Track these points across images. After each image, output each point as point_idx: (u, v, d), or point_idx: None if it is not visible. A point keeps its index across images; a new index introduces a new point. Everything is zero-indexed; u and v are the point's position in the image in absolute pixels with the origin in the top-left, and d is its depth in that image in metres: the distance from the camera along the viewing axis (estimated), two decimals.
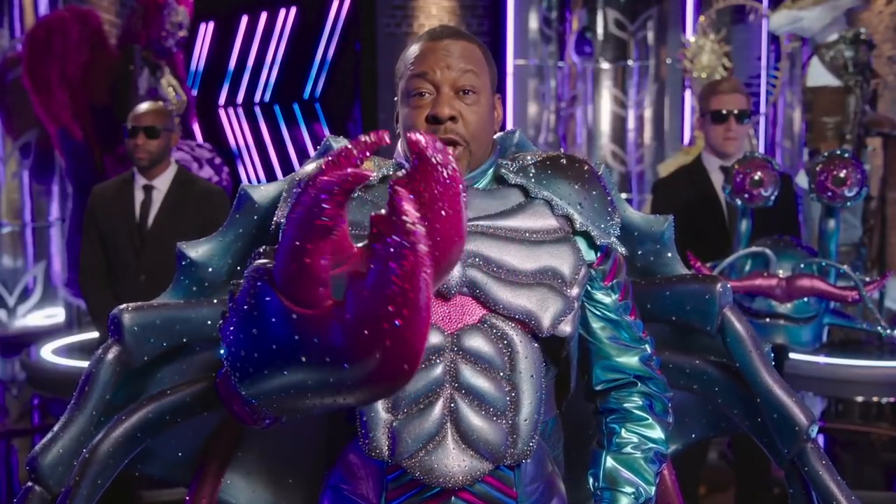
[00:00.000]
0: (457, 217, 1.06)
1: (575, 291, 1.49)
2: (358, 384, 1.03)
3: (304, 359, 1.04)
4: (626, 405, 1.59)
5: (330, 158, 1.06)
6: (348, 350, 1.01)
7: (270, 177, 10.19)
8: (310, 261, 1.03)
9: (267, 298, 1.07)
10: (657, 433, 1.58)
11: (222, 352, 1.24)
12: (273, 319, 1.07)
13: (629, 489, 1.55)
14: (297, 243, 1.03)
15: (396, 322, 0.97)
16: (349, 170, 1.02)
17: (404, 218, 0.98)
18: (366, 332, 0.99)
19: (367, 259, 1.00)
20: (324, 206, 1.02)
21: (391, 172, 1.57)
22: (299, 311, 1.04)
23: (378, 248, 0.99)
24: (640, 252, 1.75)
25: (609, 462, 1.57)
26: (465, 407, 1.42)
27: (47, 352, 6.20)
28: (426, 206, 1.04)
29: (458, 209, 1.06)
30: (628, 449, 1.57)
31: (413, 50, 1.53)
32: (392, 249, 0.98)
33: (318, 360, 1.03)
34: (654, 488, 1.58)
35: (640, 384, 1.60)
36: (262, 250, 1.37)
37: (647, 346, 1.61)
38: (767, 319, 2.89)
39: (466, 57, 1.51)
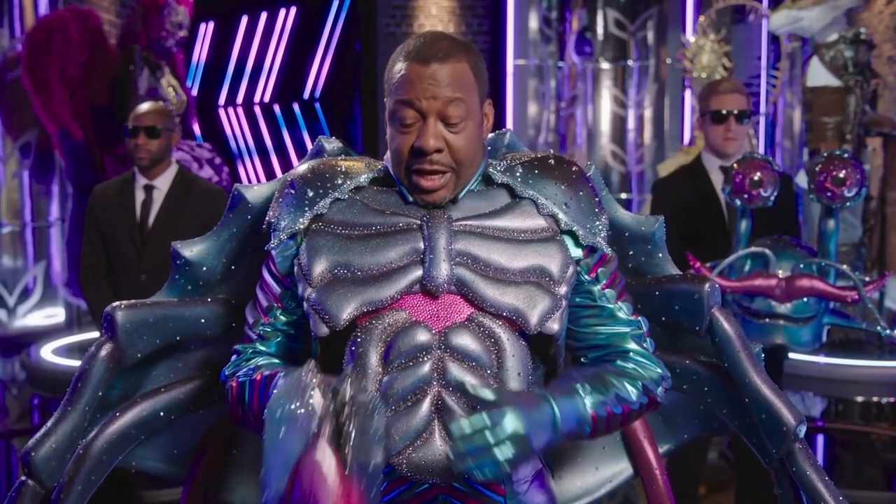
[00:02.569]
0: None
1: (563, 289, 1.50)
2: None
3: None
4: (617, 363, 1.56)
5: None
6: None
7: (270, 177, 10.17)
8: None
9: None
10: (632, 390, 1.52)
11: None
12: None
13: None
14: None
15: None
16: None
17: None
18: None
19: None
20: None
21: (381, 175, 1.58)
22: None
23: None
24: (630, 252, 1.76)
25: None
26: (452, 404, 1.43)
27: (47, 352, 6.20)
28: None
29: None
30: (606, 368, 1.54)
31: (399, 69, 1.50)
32: None
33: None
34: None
35: (631, 353, 1.56)
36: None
37: (640, 324, 1.58)
38: (767, 319, 2.88)
39: (454, 84, 1.48)
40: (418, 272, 1.47)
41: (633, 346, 1.57)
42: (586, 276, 1.56)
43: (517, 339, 1.46)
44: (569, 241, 1.53)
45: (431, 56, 1.48)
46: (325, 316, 1.46)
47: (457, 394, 1.44)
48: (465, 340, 1.45)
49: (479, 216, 1.52)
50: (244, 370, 1.57)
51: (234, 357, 1.62)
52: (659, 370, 1.58)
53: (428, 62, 1.47)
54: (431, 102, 1.47)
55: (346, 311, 1.45)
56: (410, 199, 1.52)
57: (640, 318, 1.60)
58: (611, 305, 1.58)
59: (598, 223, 1.55)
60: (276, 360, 1.60)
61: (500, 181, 1.55)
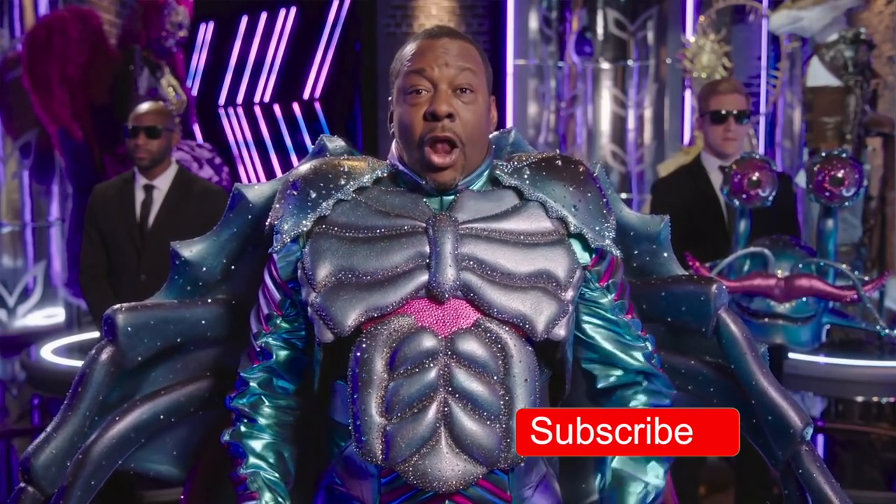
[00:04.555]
0: None
1: (569, 294, 1.48)
2: None
3: None
4: (631, 404, 1.59)
5: None
6: None
7: (270, 177, 10.13)
8: None
9: None
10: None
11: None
12: None
13: (637, 488, 1.54)
14: None
15: None
16: None
17: None
18: None
19: None
20: None
21: (385, 175, 1.57)
22: None
23: None
24: (636, 252, 1.75)
25: (615, 462, 1.57)
26: (458, 411, 1.42)
27: (47, 352, 6.19)
28: None
29: None
30: None
31: (410, 48, 1.53)
32: None
33: None
34: (663, 483, 1.57)
35: (644, 382, 1.59)
36: None
37: (647, 343, 1.61)
38: (766, 319, 2.88)
39: (464, 55, 1.51)
40: (424, 277, 1.45)
41: (646, 367, 1.59)
42: (596, 285, 1.56)
43: (524, 344, 1.44)
44: (576, 245, 1.52)
45: (442, 33, 1.53)
46: (330, 322, 1.44)
47: (463, 400, 1.42)
48: (472, 346, 1.43)
49: (485, 219, 1.50)
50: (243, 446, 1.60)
51: (238, 384, 1.61)
52: (667, 400, 1.61)
53: (439, 36, 1.52)
54: (444, 69, 1.48)
55: (351, 317, 1.44)
56: (420, 181, 1.51)
57: (648, 335, 1.62)
58: (621, 321, 1.58)
59: (606, 224, 1.54)
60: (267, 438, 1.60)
61: (507, 183, 1.54)
